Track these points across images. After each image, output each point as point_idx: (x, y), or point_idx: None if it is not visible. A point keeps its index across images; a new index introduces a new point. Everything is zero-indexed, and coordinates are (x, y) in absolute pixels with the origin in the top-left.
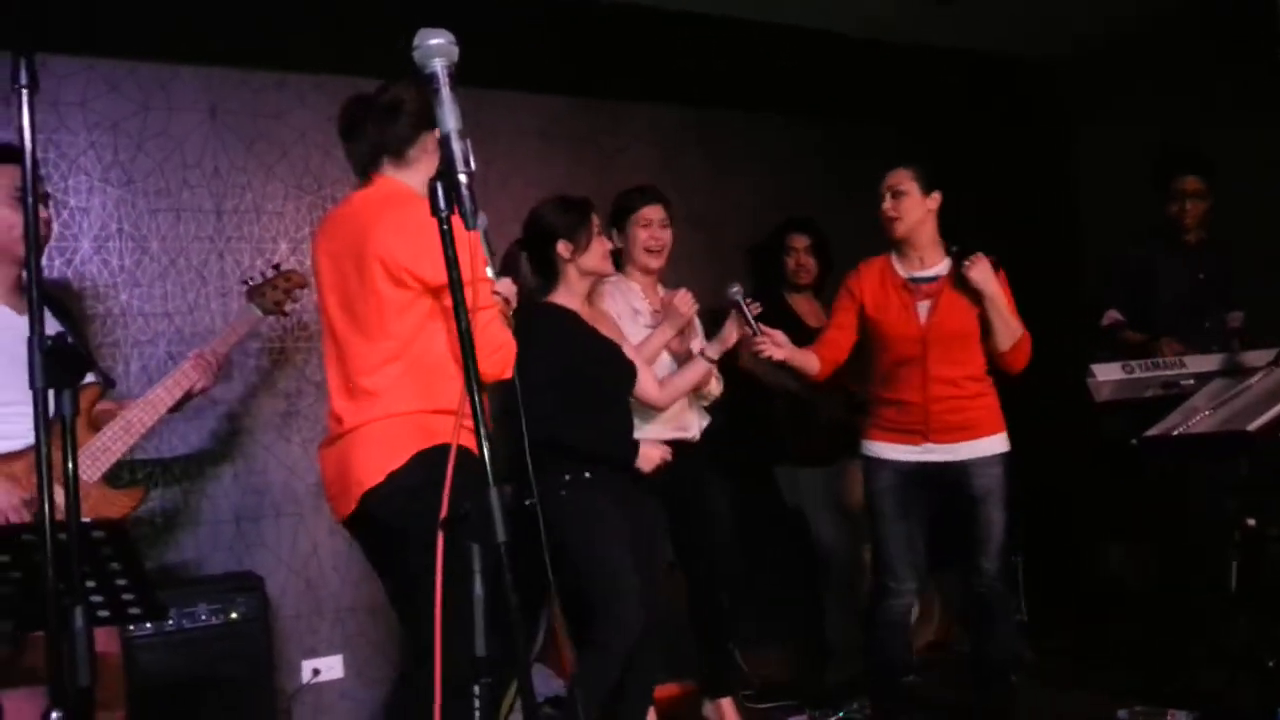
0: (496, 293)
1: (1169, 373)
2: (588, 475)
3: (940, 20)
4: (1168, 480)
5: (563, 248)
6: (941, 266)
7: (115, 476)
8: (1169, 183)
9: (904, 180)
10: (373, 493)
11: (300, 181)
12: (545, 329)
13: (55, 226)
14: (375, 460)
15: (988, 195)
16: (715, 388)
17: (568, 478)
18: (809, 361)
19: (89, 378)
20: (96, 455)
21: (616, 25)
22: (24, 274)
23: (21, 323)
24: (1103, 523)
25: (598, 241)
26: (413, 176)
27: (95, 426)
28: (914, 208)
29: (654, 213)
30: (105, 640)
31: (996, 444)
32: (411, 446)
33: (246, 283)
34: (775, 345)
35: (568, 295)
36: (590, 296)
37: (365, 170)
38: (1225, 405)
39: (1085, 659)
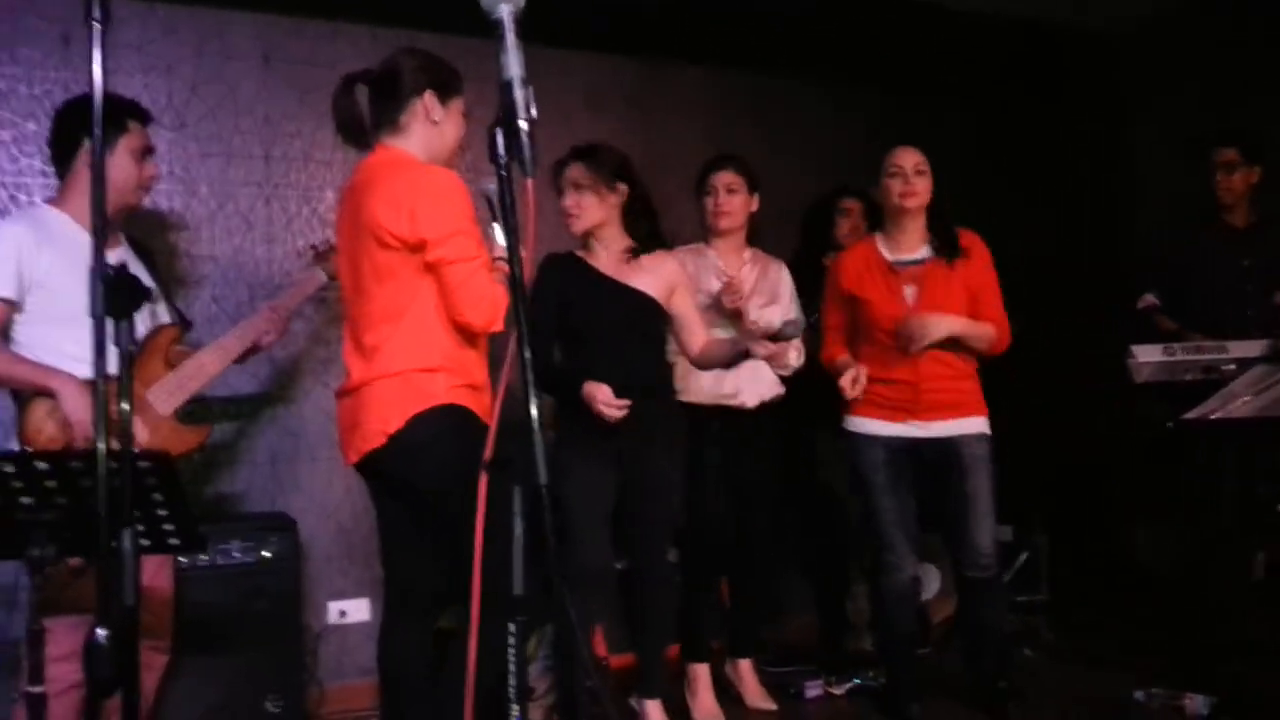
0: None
1: (1210, 356)
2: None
3: None
4: (1201, 466)
5: None
6: (924, 250)
7: (182, 413)
8: (1211, 154)
9: (924, 162)
10: (376, 453)
11: None
12: (539, 277)
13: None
14: (376, 422)
15: (1035, 169)
16: (794, 359)
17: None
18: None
19: (165, 318)
20: (172, 391)
21: None
22: (118, 213)
23: (109, 256)
24: (1134, 505)
25: (571, 193)
26: (408, 141)
27: (171, 365)
28: (927, 190)
29: (719, 179)
30: (156, 573)
31: (981, 425)
32: (409, 408)
33: (314, 247)
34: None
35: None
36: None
37: (360, 141)
38: (1266, 392)
39: (1106, 640)
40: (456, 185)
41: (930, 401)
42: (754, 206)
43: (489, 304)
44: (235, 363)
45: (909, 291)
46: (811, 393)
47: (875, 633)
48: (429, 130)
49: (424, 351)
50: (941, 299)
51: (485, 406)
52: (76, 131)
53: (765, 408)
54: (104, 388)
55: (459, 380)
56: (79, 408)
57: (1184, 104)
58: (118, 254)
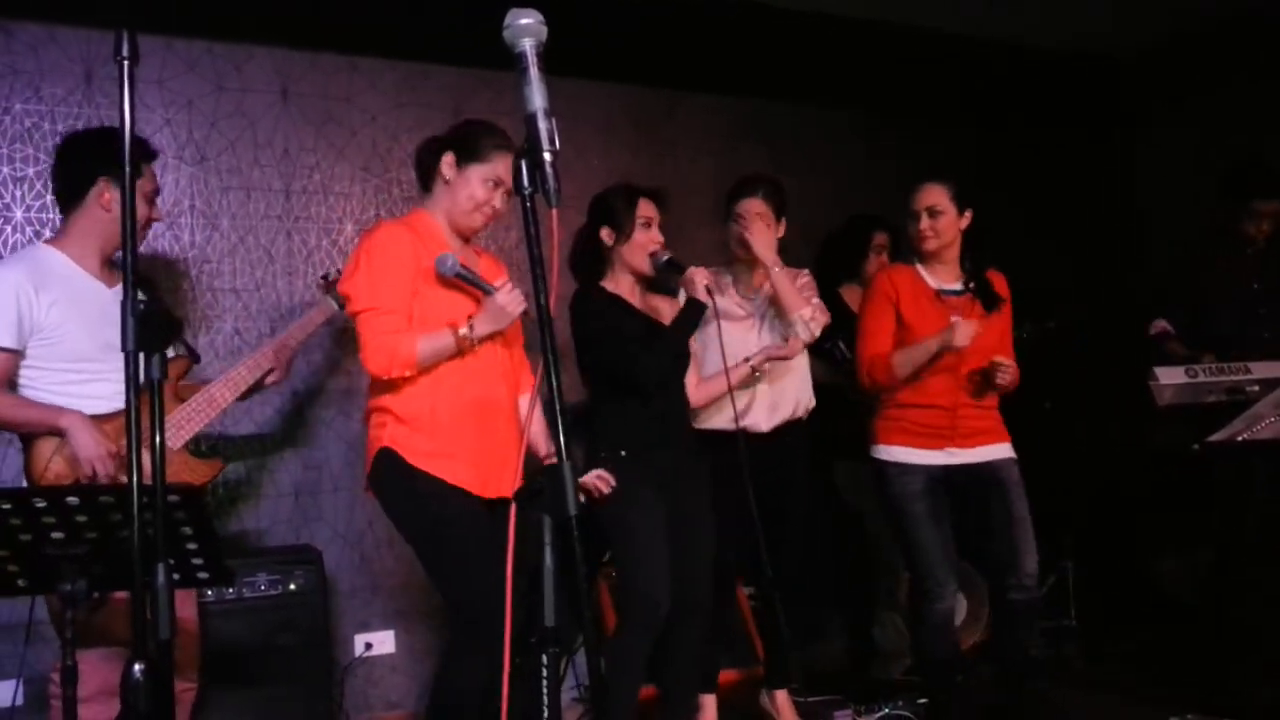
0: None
1: (1233, 378)
2: (623, 454)
3: (1002, 15)
4: (1225, 488)
5: (605, 233)
6: (960, 282)
7: (194, 447)
8: (1250, 202)
9: (941, 199)
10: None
11: (368, 164)
12: (578, 314)
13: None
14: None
15: (1046, 193)
16: (812, 316)
17: (603, 455)
18: None
19: (171, 351)
20: (180, 424)
21: (679, 15)
22: (119, 253)
23: (111, 294)
24: (1158, 530)
25: (641, 234)
26: (433, 204)
27: (180, 398)
28: (949, 227)
29: (747, 207)
30: (181, 607)
31: (1011, 449)
32: (369, 453)
33: (325, 278)
34: None
35: (613, 281)
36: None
37: None
38: None
39: (1137, 667)
40: (383, 240)
41: (967, 427)
42: (780, 232)
43: (381, 353)
44: (241, 399)
45: (955, 320)
46: (828, 418)
47: (908, 660)
48: (442, 189)
49: (378, 392)
50: (983, 332)
51: (435, 448)
52: (91, 169)
53: (788, 428)
54: (136, 418)
55: (398, 423)
56: (88, 443)
57: (1187, 127)
58: (116, 291)
